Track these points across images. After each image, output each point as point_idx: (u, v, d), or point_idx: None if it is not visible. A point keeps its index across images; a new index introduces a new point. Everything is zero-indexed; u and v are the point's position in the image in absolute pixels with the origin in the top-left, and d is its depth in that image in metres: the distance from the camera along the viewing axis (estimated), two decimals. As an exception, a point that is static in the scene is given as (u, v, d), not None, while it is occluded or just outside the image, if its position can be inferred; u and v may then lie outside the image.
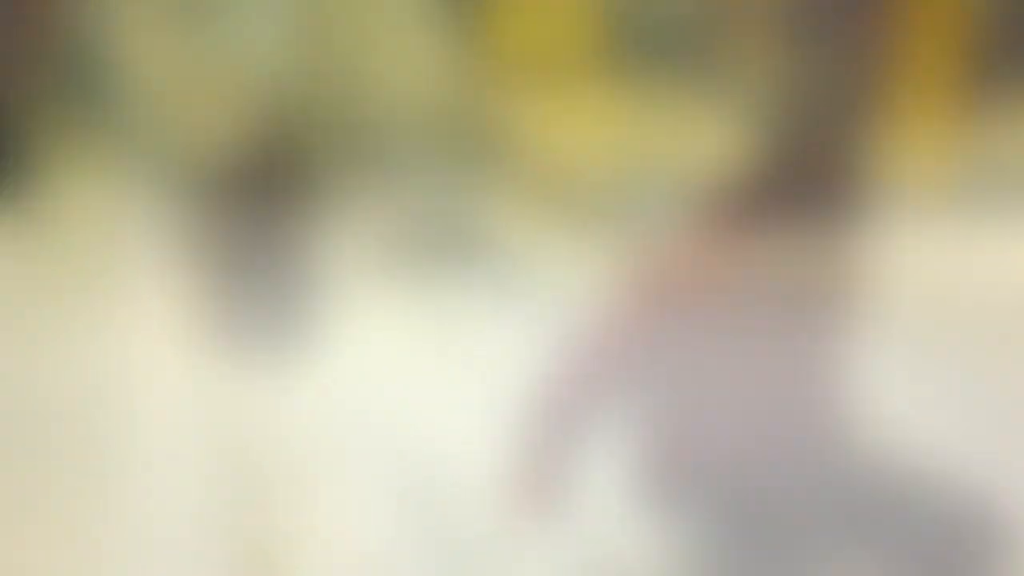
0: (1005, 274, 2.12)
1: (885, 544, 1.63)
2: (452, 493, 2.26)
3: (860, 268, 2.03)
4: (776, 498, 1.74)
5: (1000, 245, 2.10)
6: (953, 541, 1.62)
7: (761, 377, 1.81)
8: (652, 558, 1.77)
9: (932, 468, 1.87)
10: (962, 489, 1.75)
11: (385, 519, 2.13)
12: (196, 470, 2.28)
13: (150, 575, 1.99)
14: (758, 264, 1.90)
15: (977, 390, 2.00)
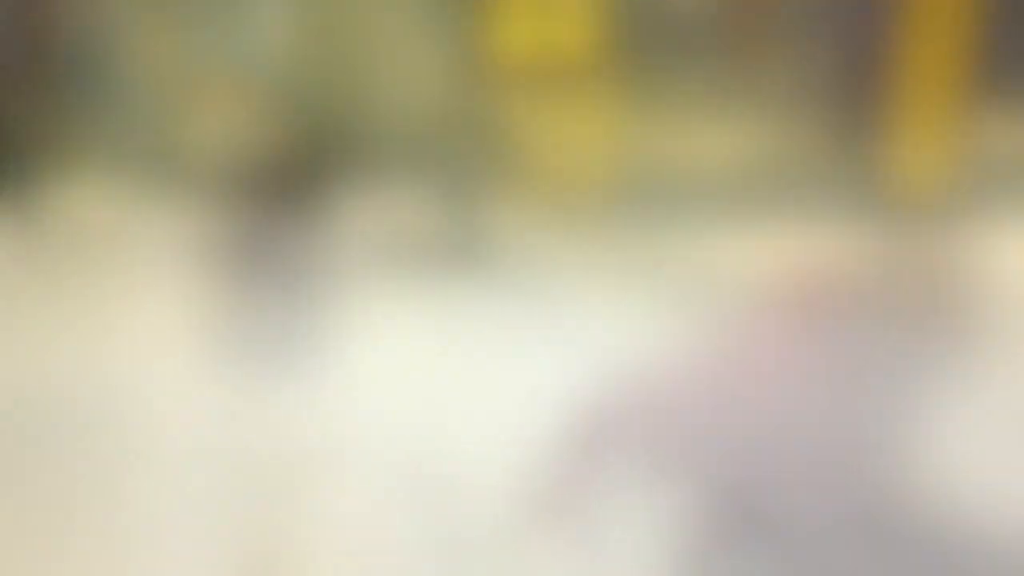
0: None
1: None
2: (464, 497, 2.26)
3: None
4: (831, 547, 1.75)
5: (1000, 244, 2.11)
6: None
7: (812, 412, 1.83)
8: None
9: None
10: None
11: (397, 523, 2.13)
12: (207, 473, 2.28)
13: (161, 574, 1.98)
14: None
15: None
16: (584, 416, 2.76)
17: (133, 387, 3.12)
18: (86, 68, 7.13)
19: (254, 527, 2.24)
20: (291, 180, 6.21)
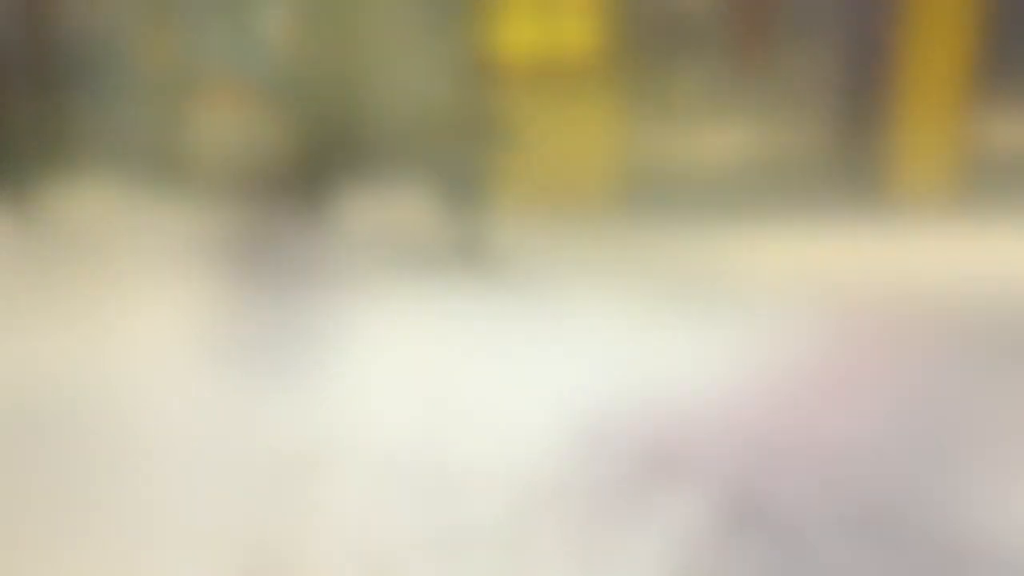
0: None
1: None
2: (465, 495, 2.27)
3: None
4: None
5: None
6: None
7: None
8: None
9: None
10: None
11: (399, 521, 2.14)
12: (209, 469, 2.29)
13: (164, 573, 1.99)
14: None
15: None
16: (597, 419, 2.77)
17: (133, 385, 3.12)
18: (87, 68, 7.11)
19: (256, 524, 2.24)
20: (293, 180, 6.20)
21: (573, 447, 2.56)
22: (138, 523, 2.24)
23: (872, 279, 4.06)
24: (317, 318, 3.76)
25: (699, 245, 4.81)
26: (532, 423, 2.71)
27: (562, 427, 2.68)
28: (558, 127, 5.76)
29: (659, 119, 8.57)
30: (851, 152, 6.45)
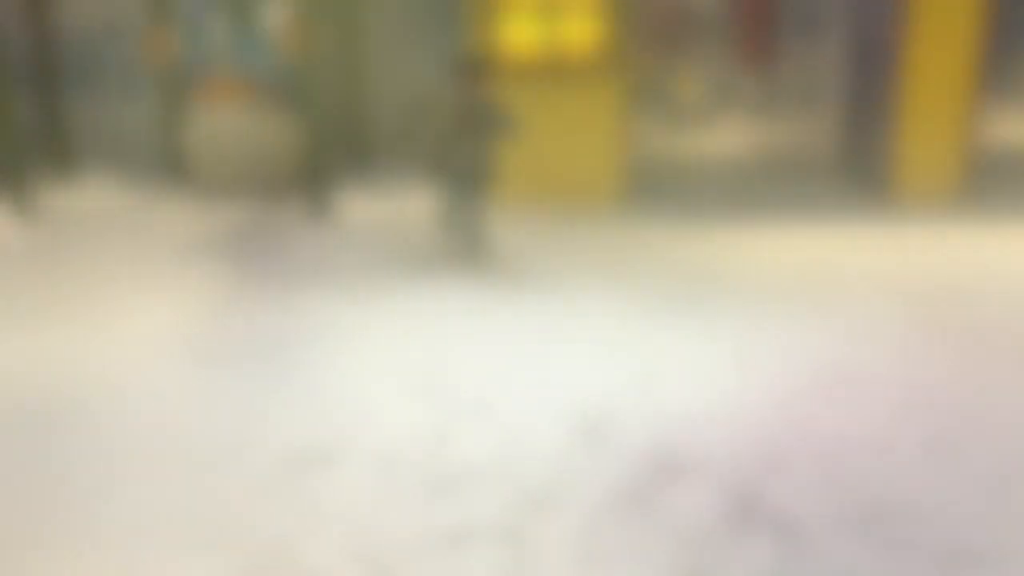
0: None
1: None
2: (466, 494, 2.26)
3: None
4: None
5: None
6: None
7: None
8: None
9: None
10: None
11: (401, 518, 2.13)
12: (210, 466, 2.26)
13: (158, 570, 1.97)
14: None
15: None
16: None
17: (134, 382, 3.12)
18: (88, 66, 7.05)
19: (257, 522, 2.24)
20: (295, 179, 6.17)
21: (574, 446, 2.56)
22: (138, 522, 2.23)
23: (873, 277, 4.05)
24: (318, 316, 3.76)
25: (701, 243, 4.80)
26: (533, 422, 2.71)
27: (564, 426, 2.68)
28: (560, 124, 5.75)
29: (661, 117, 8.55)
30: (853, 150, 6.44)
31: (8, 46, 5.30)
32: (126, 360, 3.29)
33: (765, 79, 9.58)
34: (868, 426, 2.64)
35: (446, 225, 4.22)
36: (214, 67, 5.80)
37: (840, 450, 2.49)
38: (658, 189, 5.95)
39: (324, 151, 5.32)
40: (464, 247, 4.24)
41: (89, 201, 5.77)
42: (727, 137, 8.37)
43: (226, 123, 5.74)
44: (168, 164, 6.41)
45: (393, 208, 5.44)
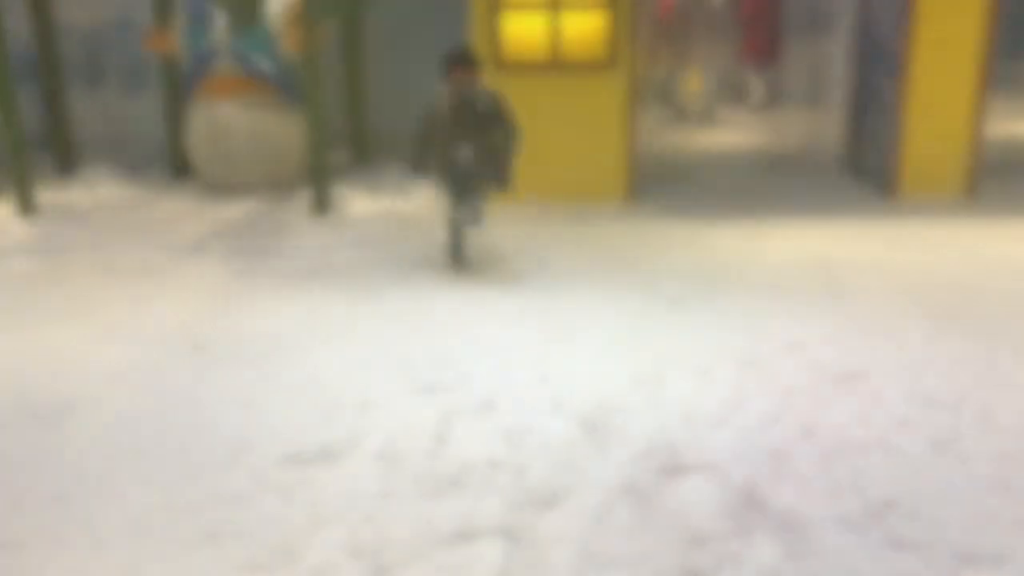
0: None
1: None
2: (468, 490, 2.24)
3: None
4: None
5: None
6: None
7: None
8: None
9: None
10: None
11: (402, 515, 2.12)
12: (213, 469, 2.25)
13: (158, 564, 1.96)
14: None
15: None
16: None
17: (135, 380, 3.11)
18: (91, 62, 7.03)
19: (258, 520, 2.24)
20: (297, 175, 6.15)
21: (578, 444, 2.56)
22: (139, 519, 2.23)
23: (878, 275, 4.04)
24: (320, 313, 3.75)
25: (706, 241, 4.79)
26: (537, 420, 2.71)
27: (568, 423, 2.68)
28: (565, 121, 5.74)
29: (667, 114, 8.53)
30: (857, 147, 6.43)
31: (11, 41, 5.30)
32: (128, 356, 3.29)
33: (770, 77, 9.56)
34: (874, 423, 2.63)
35: (449, 222, 4.21)
36: (217, 63, 5.79)
37: (845, 448, 2.48)
38: (663, 186, 5.95)
39: (326, 147, 5.32)
40: (466, 245, 4.23)
41: (91, 197, 5.77)
42: (732, 135, 8.36)
43: (228, 119, 5.74)
44: (171, 160, 6.41)
45: (396, 205, 5.44)
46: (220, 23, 5.67)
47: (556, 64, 5.41)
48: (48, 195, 5.65)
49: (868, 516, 2.18)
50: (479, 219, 4.15)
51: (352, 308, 3.77)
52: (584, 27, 5.38)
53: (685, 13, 9.14)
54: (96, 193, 5.88)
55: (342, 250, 4.64)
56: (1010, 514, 2.19)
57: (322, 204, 5.22)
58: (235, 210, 5.38)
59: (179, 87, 6.18)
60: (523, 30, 5.42)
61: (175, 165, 6.34)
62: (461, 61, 4.00)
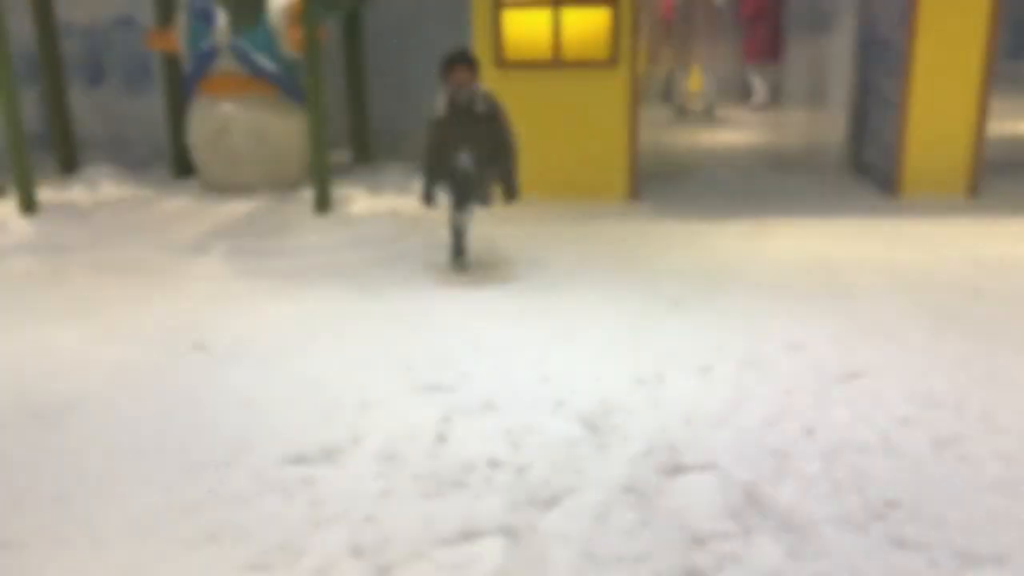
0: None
1: None
2: (467, 489, 2.23)
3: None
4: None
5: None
6: None
7: None
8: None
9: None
10: None
11: (402, 513, 2.11)
12: (214, 468, 2.25)
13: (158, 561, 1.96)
14: None
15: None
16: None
17: (135, 379, 3.11)
18: (93, 60, 7.04)
19: (260, 519, 2.24)
20: (299, 173, 6.15)
21: (580, 443, 2.55)
22: (140, 518, 2.23)
23: (881, 273, 4.04)
24: (321, 311, 3.76)
25: (709, 239, 4.79)
26: (538, 419, 2.70)
27: (569, 423, 2.67)
28: (568, 120, 5.74)
29: (671, 112, 8.51)
30: (860, 145, 6.43)
31: (13, 40, 5.30)
32: (128, 356, 3.29)
33: (772, 76, 9.55)
34: (875, 423, 2.62)
35: (450, 223, 4.20)
36: (218, 62, 5.79)
37: (847, 448, 2.47)
38: (664, 185, 5.94)
39: (327, 146, 5.31)
40: (467, 245, 4.23)
41: (92, 196, 5.77)
42: (734, 134, 8.35)
43: (230, 118, 5.73)
44: (172, 159, 6.41)
45: (397, 205, 5.44)
46: (221, 22, 5.66)
47: (558, 62, 5.40)
48: (49, 194, 5.65)
49: (869, 516, 2.17)
50: (484, 213, 4.09)
51: (353, 307, 3.77)
52: (586, 25, 5.38)
53: (687, 12, 9.13)
54: (97, 192, 5.88)
55: (343, 250, 4.64)
56: (1012, 514, 2.18)
57: (323, 203, 5.21)
58: (236, 209, 5.38)
59: (180, 86, 6.18)
60: (525, 28, 5.41)
61: (176, 164, 6.34)
62: (459, 62, 3.98)
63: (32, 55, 6.75)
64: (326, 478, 2.41)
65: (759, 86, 9.37)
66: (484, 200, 4.13)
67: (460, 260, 4.23)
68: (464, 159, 4.01)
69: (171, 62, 6.20)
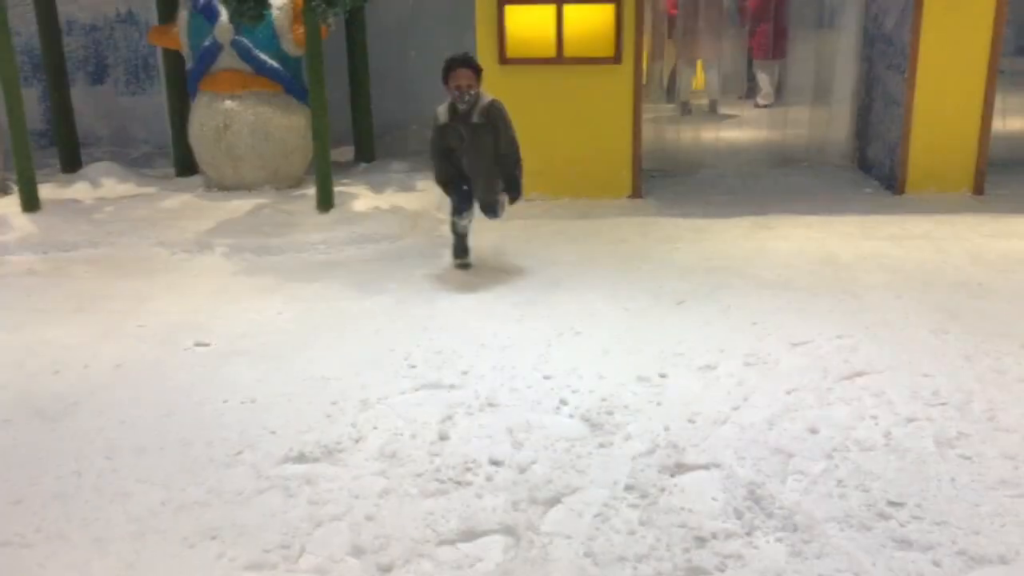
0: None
1: None
2: (468, 487, 2.23)
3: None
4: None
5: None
6: None
7: None
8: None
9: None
10: None
11: (403, 512, 2.11)
12: (214, 467, 2.24)
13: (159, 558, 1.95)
14: None
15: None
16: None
17: (136, 377, 3.11)
18: (96, 58, 7.03)
19: (261, 518, 2.23)
20: (301, 170, 6.12)
21: (579, 443, 2.54)
22: (141, 517, 2.23)
23: (885, 270, 4.02)
24: (323, 309, 3.75)
25: (712, 236, 4.77)
26: (541, 417, 2.69)
27: (568, 422, 2.66)
28: (571, 117, 5.72)
29: (675, 109, 8.49)
30: (864, 143, 6.40)
31: (16, 37, 5.30)
32: (130, 353, 3.29)
33: (776, 73, 9.51)
34: (879, 422, 2.61)
35: (451, 224, 4.19)
36: (221, 59, 5.78)
37: (850, 446, 2.46)
38: (668, 181, 5.92)
39: (329, 143, 5.30)
40: (469, 243, 4.21)
41: (95, 193, 5.77)
42: (739, 130, 8.32)
43: (232, 115, 5.72)
44: (175, 156, 6.41)
45: (399, 202, 5.43)
46: (224, 19, 5.65)
47: (561, 59, 5.38)
48: (52, 191, 5.64)
49: (873, 515, 2.16)
50: (497, 212, 4.09)
51: (355, 305, 3.76)
52: (589, 22, 5.35)
53: (691, 8, 9.10)
54: (99, 189, 5.88)
55: (346, 247, 4.63)
56: (1017, 513, 2.16)
57: (325, 201, 5.20)
58: (238, 207, 5.37)
59: (183, 83, 6.17)
60: (528, 25, 5.39)
61: (179, 161, 6.33)
62: (461, 65, 3.95)
63: (35, 52, 6.75)
64: (327, 476, 2.40)
65: (764, 83, 9.34)
66: (494, 211, 4.10)
67: (462, 260, 4.21)
68: (465, 163, 4.01)
69: (173, 59, 6.19)
